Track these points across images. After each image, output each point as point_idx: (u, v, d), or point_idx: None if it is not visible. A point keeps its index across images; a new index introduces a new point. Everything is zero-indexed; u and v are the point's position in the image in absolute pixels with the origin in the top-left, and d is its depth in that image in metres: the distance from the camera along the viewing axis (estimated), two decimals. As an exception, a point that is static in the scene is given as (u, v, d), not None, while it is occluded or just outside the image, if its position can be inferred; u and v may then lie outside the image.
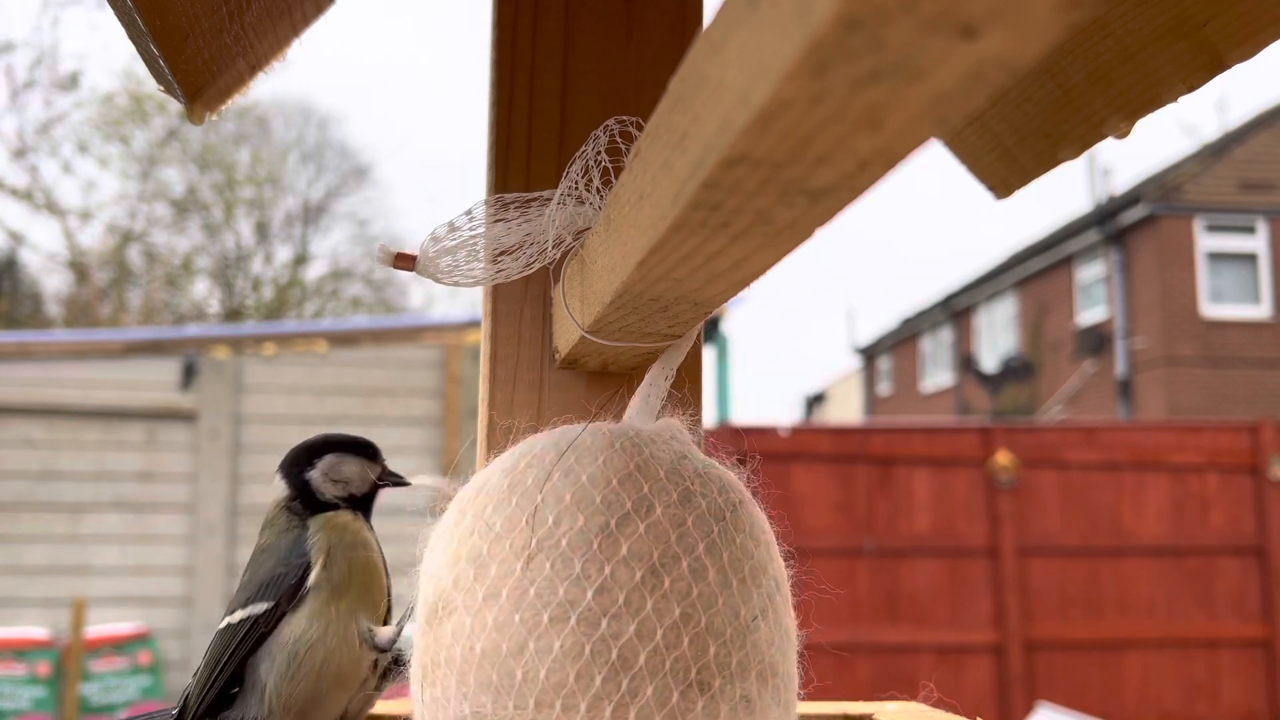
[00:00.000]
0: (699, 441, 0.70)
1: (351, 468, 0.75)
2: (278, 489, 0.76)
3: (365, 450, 0.77)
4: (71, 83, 13.68)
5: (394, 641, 0.71)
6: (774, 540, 0.56)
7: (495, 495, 0.53)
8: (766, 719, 0.50)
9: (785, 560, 0.58)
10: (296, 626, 0.69)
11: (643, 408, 0.59)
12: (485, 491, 0.54)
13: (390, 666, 0.71)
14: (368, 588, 0.71)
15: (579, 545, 0.49)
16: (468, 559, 0.52)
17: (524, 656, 0.48)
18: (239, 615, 0.70)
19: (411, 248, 0.62)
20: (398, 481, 0.77)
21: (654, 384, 0.59)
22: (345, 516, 0.74)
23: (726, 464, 0.59)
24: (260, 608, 0.69)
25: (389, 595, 0.74)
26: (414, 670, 0.55)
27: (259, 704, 0.69)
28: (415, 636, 0.55)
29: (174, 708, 0.73)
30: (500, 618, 0.49)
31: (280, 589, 0.69)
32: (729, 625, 0.49)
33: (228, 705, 0.71)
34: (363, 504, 0.76)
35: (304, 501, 0.74)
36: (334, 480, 0.75)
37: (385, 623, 0.72)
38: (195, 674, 0.72)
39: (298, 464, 0.75)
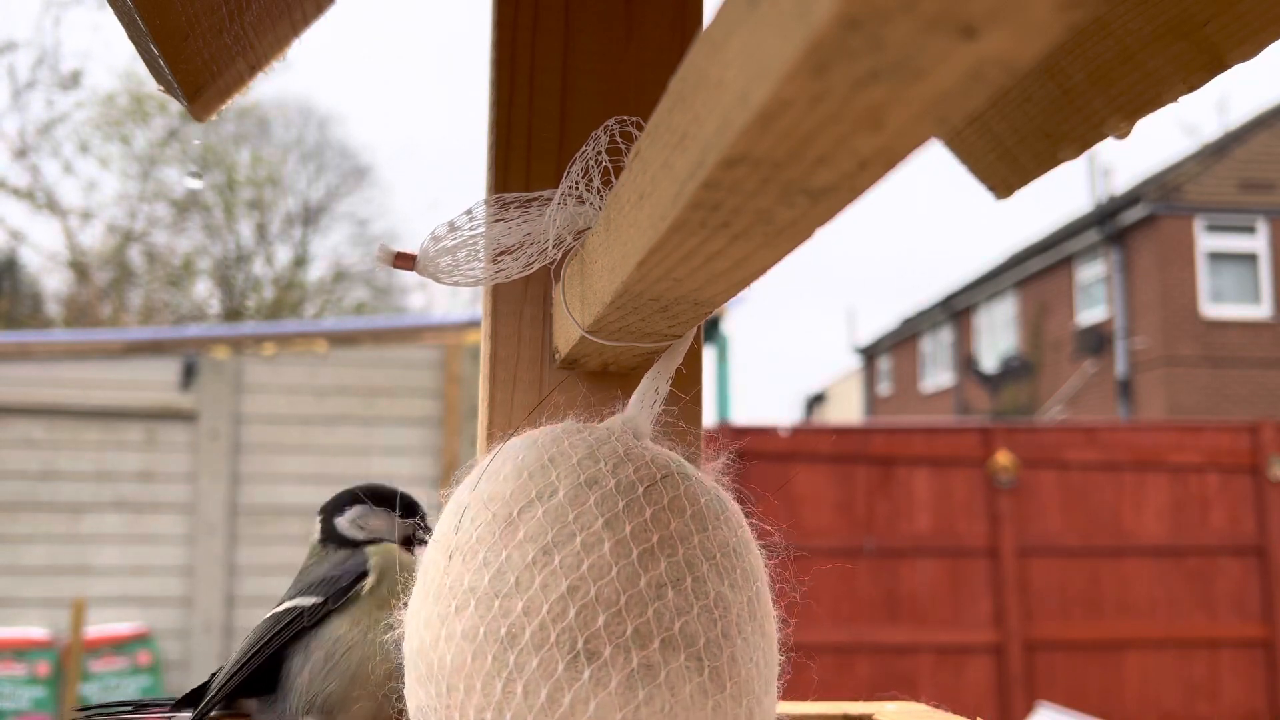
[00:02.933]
0: (697, 438, 0.70)
1: (378, 522, 0.79)
2: (315, 530, 0.79)
3: (396, 504, 0.79)
4: (73, 82, 13.69)
5: None
6: (719, 514, 0.55)
7: (445, 508, 0.57)
8: (679, 687, 0.49)
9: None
10: (338, 628, 0.70)
11: (641, 408, 0.59)
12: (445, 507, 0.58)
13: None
14: None
15: (485, 537, 0.52)
16: (422, 569, 0.56)
17: (438, 646, 0.51)
18: (284, 606, 0.72)
19: (411, 248, 0.62)
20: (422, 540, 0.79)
21: (653, 384, 0.59)
22: (393, 546, 0.77)
23: (678, 451, 0.59)
24: (308, 601, 0.71)
25: None
26: None
27: (285, 699, 0.70)
28: None
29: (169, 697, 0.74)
30: (426, 614, 0.52)
31: (331, 589, 0.71)
32: (623, 594, 0.49)
33: (252, 694, 0.72)
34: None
35: (336, 544, 0.77)
36: (361, 528, 0.78)
37: None
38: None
39: (334, 509, 0.79)
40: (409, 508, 0.80)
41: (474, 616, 0.50)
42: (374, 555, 0.74)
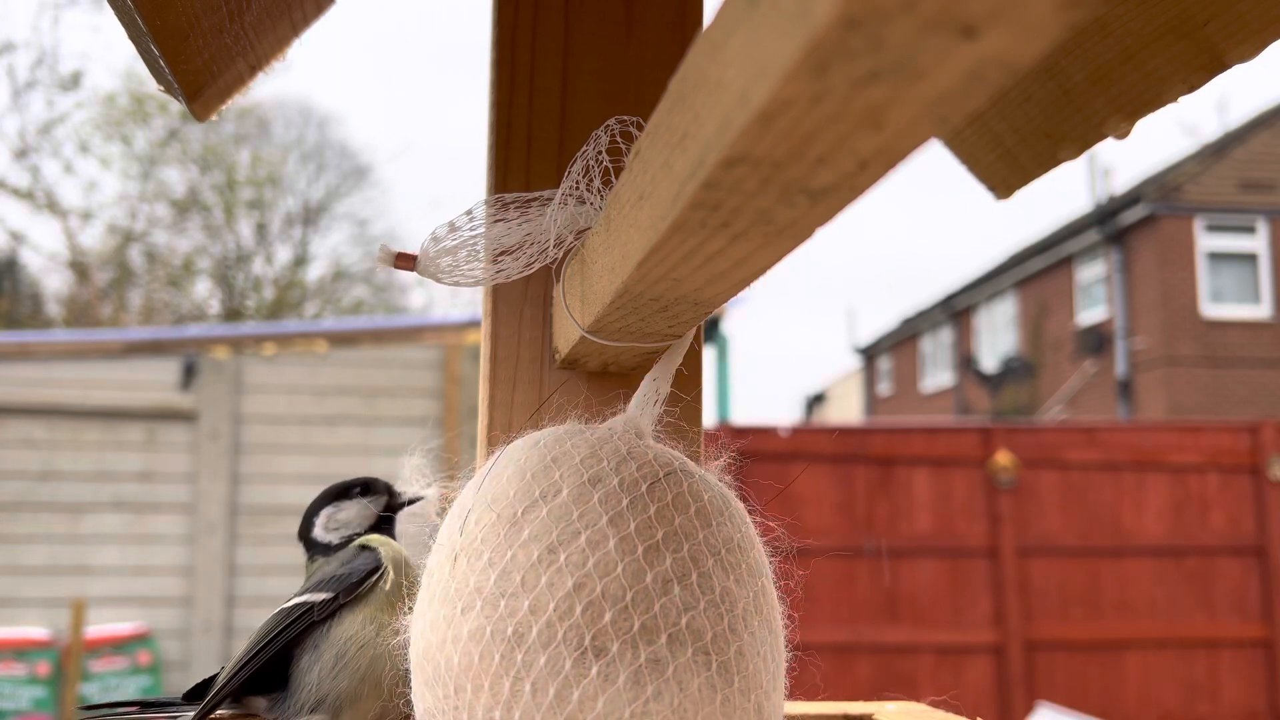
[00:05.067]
0: (698, 438, 0.70)
1: (348, 511, 0.79)
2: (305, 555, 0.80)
3: (359, 490, 0.80)
4: (73, 83, 13.68)
5: None
6: (722, 510, 0.55)
7: (449, 513, 0.58)
8: (687, 682, 0.49)
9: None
10: (350, 626, 0.71)
11: (642, 409, 0.59)
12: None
13: None
14: None
15: (489, 538, 0.52)
16: (426, 573, 0.56)
17: (445, 648, 0.51)
18: (294, 601, 0.72)
19: (411, 248, 0.62)
20: (412, 499, 0.80)
21: (653, 385, 0.59)
22: (391, 540, 0.78)
23: (682, 453, 0.59)
24: (319, 596, 0.71)
25: None
26: None
27: (293, 697, 0.70)
28: None
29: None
30: (432, 617, 0.53)
31: (342, 584, 0.72)
32: (629, 590, 0.49)
33: (261, 692, 0.72)
34: (384, 531, 0.80)
35: (323, 553, 0.78)
36: (333, 529, 0.79)
37: None
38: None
39: (305, 528, 0.80)
40: (367, 487, 0.81)
41: (480, 617, 0.50)
42: (381, 547, 0.75)
